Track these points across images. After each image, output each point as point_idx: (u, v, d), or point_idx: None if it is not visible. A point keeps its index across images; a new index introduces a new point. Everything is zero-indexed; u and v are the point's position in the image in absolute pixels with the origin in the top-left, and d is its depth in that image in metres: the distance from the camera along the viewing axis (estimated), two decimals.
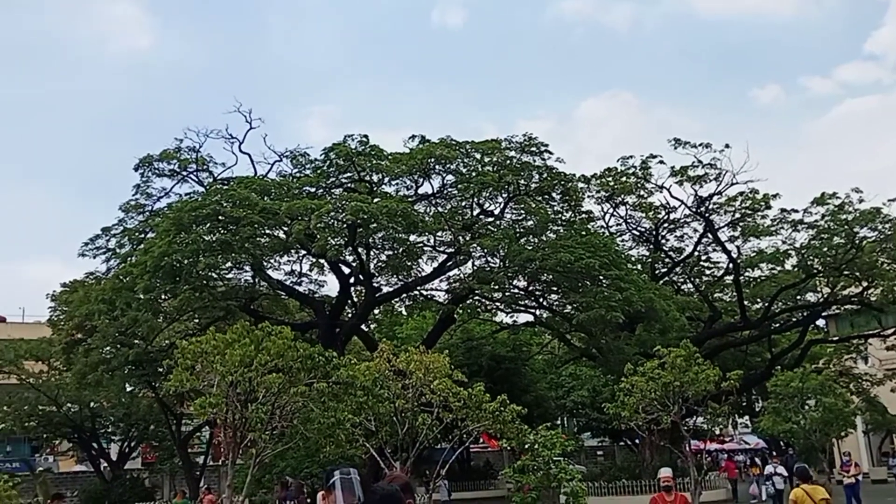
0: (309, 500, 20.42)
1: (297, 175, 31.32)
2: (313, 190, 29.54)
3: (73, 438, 44.37)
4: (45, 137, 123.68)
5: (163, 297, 27.77)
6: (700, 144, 33.21)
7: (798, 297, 37.91)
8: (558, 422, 44.16)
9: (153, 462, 46.97)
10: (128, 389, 38.45)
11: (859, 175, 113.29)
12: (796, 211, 34.27)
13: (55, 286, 59.92)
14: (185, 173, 32.31)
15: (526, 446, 13.06)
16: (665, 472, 10.74)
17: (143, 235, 30.69)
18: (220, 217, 26.29)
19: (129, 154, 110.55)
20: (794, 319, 38.72)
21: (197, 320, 31.93)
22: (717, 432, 45.86)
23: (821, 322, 43.41)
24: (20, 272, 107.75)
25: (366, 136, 29.59)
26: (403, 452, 13.00)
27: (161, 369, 29.01)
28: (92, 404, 41.74)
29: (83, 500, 40.20)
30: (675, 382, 14.18)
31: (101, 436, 44.22)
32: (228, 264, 28.40)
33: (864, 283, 34.14)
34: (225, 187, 29.02)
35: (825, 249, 33.20)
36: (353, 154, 28.98)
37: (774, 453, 39.32)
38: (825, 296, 36.81)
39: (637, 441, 35.01)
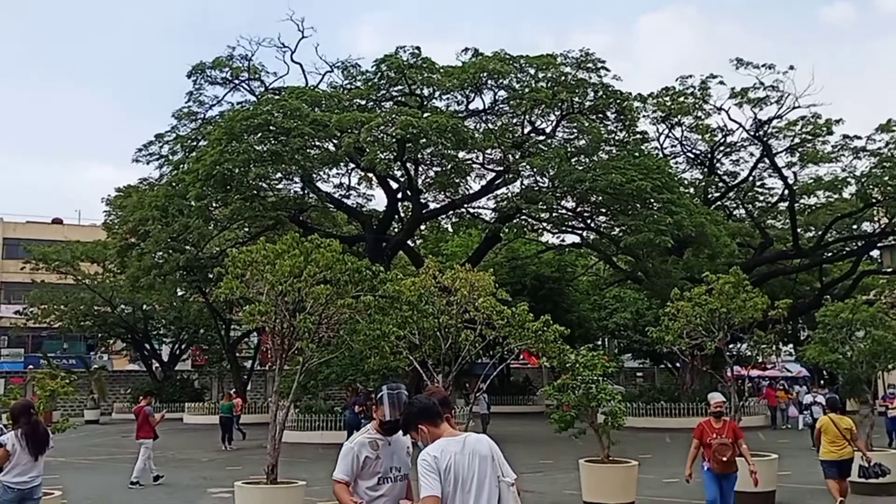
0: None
1: (348, 87, 31.09)
2: (364, 102, 29.32)
3: (127, 339, 46.14)
4: (103, 43, 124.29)
5: (214, 205, 28.17)
6: (763, 65, 32.24)
7: (854, 227, 37.05)
8: (599, 342, 44.43)
9: (202, 364, 48.59)
10: (179, 294, 39.61)
11: None
12: (859, 138, 33.26)
13: (110, 190, 61.35)
14: (236, 82, 32.36)
15: (567, 365, 13.08)
16: (717, 398, 9.94)
17: (195, 143, 30.98)
18: (271, 127, 26.34)
19: (184, 61, 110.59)
20: (847, 249, 37.93)
21: (247, 229, 32.44)
22: (760, 359, 45.66)
23: (875, 253, 42.45)
24: (76, 175, 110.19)
25: (418, 49, 29.14)
26: (445, 366, 13.14)
27: (211, 276, 29.86)
28: (144, 307, 43.19)
29: (135, 398, 41.92)
30: (721, 309, 13.96)
31: (153, 337, 45.87)
32: (278, 175, 28.61)
33: None
34: (276, 97, 28.97)
35: (886, 178, 32.17)
36: (404, 66, 28.57)
37: (822, 382, 39.14)
38: (882, 226, 35.91)
39: (678, 364, 35.08)
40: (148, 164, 33.66)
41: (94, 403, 41.71)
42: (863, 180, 32.90)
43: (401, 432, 4.62)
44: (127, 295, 39.52)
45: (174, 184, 28.77)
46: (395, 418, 4.61)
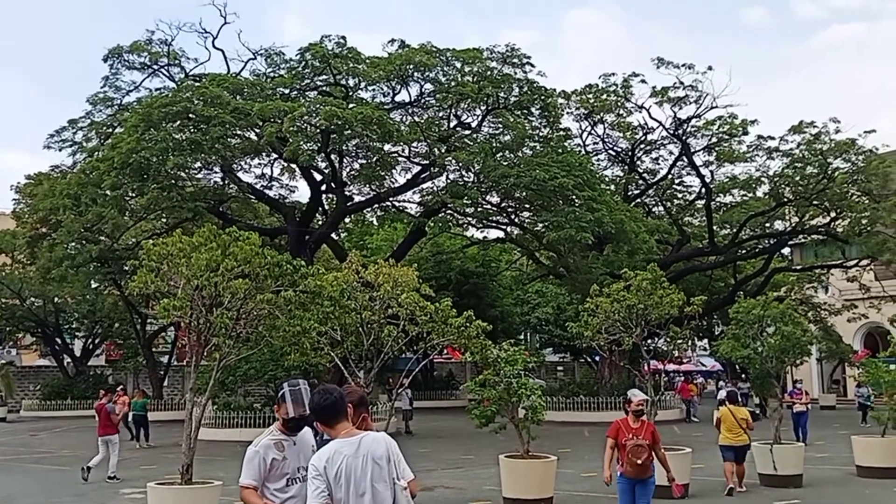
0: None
1: (272, 75, 30.55)
2: (287, 91, 28.86)
3: (37, 333, 44.18)
4: (14, 21, 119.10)
5: (130, 194, 27.27)
6: (683, 65, 32.89)
7: (766, 225, 38.31)
8: (521, 337, 44.88)
9: (117, 359, 47.00)
10: (93, 286, 38.24)
11: (844, 103, 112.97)
12: (772, 138, 34.30)
13: (19, 177, 58.83)
14: (155, 67, 31.40)
15: (489, 361, 13.12)
16: (639, 396, 9.00)
17: (110, 130, 29.99)
18: (190, 115, 25.65)
19: (100, 44, 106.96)
20: (760, 247, 39.20)
21: (164, 220, 31.56)
22: (676, 354, 46.88)
23: (786, 251, 44.03)
24: None
25: (343, 38, 28.83)
26: (368, 362, 13.02)
27: (127, 268, 28.90)
28: (56, 299, 41.46)
29: (46, 395, 40.30)
30: (639, 305, 14.22)
31: (64, 331, 44.07)
32: (198, 164, 27.94)
33: (833, 214, 34.48)
34: (196, 84, 28.24)
35: (797, 178, 33.37)
36: (329, 56, 28.23)
37: (744, 377, 40.37)
38: (793, 225, 37.21)
39: (597, 358, 35.70)
40: (60, 150, 32.46)
41: (0, 401, 39.96)
42: (775, 180, 34.05)
43: (306, 429, 4.57)
44: (37, 287, 37.91)
45: (88, 172, 27.76)
46: (299, 414, 4.55)
